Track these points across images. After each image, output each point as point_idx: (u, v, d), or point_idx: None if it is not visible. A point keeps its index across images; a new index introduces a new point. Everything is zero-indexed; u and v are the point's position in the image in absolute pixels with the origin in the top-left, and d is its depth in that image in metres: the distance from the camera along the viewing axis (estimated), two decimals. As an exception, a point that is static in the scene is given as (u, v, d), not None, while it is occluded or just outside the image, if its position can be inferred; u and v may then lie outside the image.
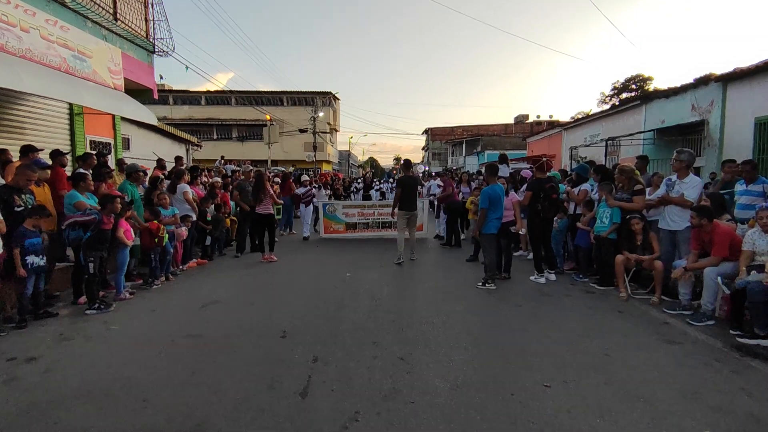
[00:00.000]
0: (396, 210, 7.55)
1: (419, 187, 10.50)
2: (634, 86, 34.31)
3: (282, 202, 10.41)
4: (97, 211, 4.80)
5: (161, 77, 38.21)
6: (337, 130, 44.42)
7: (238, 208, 8.42)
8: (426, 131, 55.05)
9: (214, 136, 35.53)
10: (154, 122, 9.43)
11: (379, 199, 13.66)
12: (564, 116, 57.79)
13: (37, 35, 6.08)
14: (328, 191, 13.52)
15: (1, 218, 3.96)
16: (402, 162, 8.70)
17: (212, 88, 40.52)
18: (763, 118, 8.21)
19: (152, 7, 9.25)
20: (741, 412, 2.72)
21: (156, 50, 9.47)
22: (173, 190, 6.75)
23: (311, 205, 10.62)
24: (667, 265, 4.99)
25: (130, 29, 8.55)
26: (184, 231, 6.48)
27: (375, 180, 19.35)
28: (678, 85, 10.99)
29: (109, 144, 9.41)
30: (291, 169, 23.36)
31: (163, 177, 7.03)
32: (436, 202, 10.35)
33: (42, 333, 4.03)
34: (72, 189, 5.05)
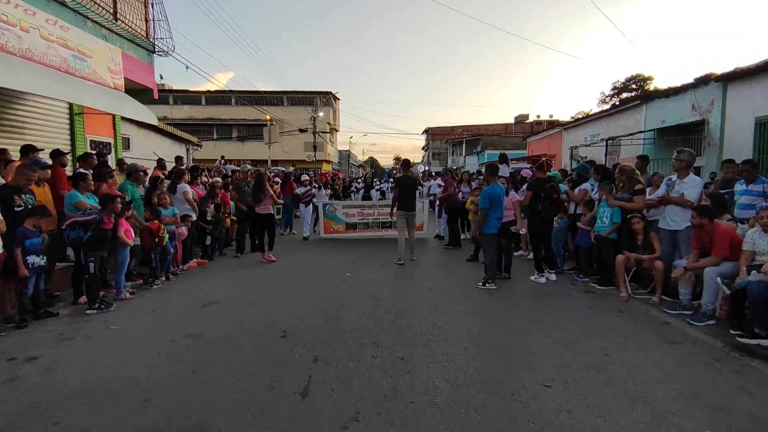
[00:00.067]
0: (395, 210, 7.53)
1: (419, 186, 10.50)
2: (634, 86, 34.30)
3: (282, 202, 10.42)
4: (98, 211, 4.80)
5: (161, 77, 38.27)
6: (337, 130, 44.42)
7: (237, 208, 8.42)
8: (426, 131, 55.03)
9: (214, 136, 35.52)
10: (155, 122, 9.43)
11: (379, 199, 13.65)
12: (564, 116, 57.84)
13: (37, 35, 6.08)
14: (328, 191, 13.51)
15: (1, 218, 3.97)
16: (401, 162, 8.67)
17: (212, 88, 40.60)
18: (763, 117, 8.21)
19: (152, 6, 9.25)
20: (741, 412, 2.71)
21: (156, 50, 9.47)
22: (173, 190, 6.76)
23: (311, 205, 10.62)
24: (668, 264, 4.99)
25: (130, 29, 8.55)
26: (184, 230, 6.49)
27: (375, 180, 19.35)
28: (678, 84, 11.00)
29: (110, 144, 9.41)
30: (291, 168, 23.36)
31: (163, 177, 7.03)
32: (437, 202, 10.31)
33: (42, 333, 4.04)
34: (72, 189, 5.05)
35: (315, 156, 29.95)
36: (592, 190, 6.38)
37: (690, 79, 10.40)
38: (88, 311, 4.57)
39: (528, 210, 6.21)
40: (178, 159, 9.57)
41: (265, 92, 37.96)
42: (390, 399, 2.84)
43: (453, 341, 3.85)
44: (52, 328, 4.15)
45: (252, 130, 35.01)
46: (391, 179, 22.36)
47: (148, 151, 11.39)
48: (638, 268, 5.34)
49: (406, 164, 8.11)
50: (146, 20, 9.20)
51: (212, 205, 7.65)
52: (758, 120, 8.30)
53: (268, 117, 26.30)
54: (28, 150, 5.18)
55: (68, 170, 6.31)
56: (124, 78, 8.14)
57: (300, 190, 10.75)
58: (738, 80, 8.90)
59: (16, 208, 4.26)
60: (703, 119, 9.81)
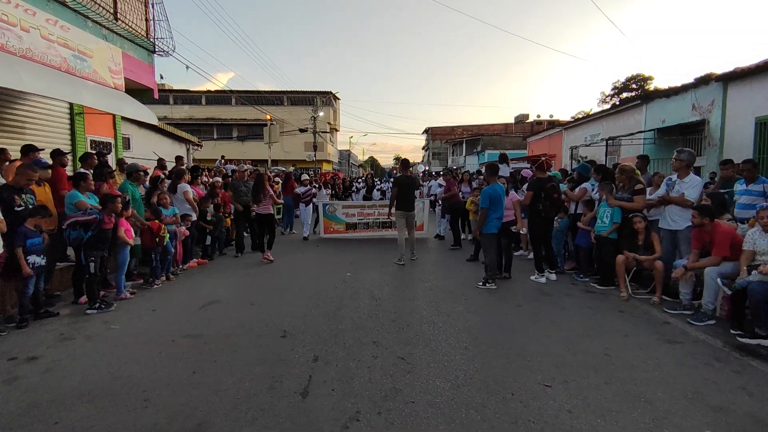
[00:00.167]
0: (394, 210, 7.49)
1: (418, 186, 10.49)
2: (634, 86, 34.28)
3: (282, 202, 10.43)
4: (98, 211, 4.80)
5: (161, 77, 38.25)
6: (337, 130, 44.42)
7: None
8: (426, 131, 55.03)
9: (215, 136, 35.51)
10: (155, 122, 9.42)
11: (380, 199, 13.64)
12: (564, 116, 57.82)
13: (37, 35, 6.08)
14: (329, 191, 13.51)
15: (2, 218, 3.97)
16: (400, 161, 8.63)
17: (212, 88, 40.61)
18: (763, 117, 8.20)
19: (152, 6, 9.25)
20: (741, 411, 2.71)
21: (156, 50, 9.47)
22: (174, 190, 6.77)
23: (311, 205, 10.62)
24: (668, 264, 4.99)
25: (130, 29, 8.55)
26: (185, 230, 6.49)
27: (376, 180, 19.36)
28: (678, 84, 11.00)
29: (110, 144, 9.41)
30: (291, 168, 23.36)
31: (164, 177, 7.03)
32: (439, 202, 10.28)
33: (43, 333, 4.04)
34: (73, 189, 5.05)
35: (315, 156, 29.94)
36: (593, 189, 6.38)
37: (690, 79, 10.41)
38: (89, 311, 4.58)
39: (528, 210, 6.21)
40: (179, 159, 9.58)
41: (266, 92, 37.97)
42: (390, 399, 2.84)
43: (453, 341, 3.85)
44: (53, 328, 4.15)
45: (252, 130, 35.01)
46: (392, 179, 22.33)
47: (148, 151, 11.39)
48: (638, 268, 5.34)
49: (405, 164, 8.07)
50: (146, 20, 9.20)
51: (212, 205, 7.65)
52: (758, 120, 8.30)
53: (268, 117, 26.31)
54: (28, 150, 5.18)
55: (69, 170, 6.31)
56: (125, 78, 8.14)
57: (300, 190, 10.75)
58: (738, 80, 8.90)
59: (17, 208, 4.27)
60: (703, 119, 9.81)
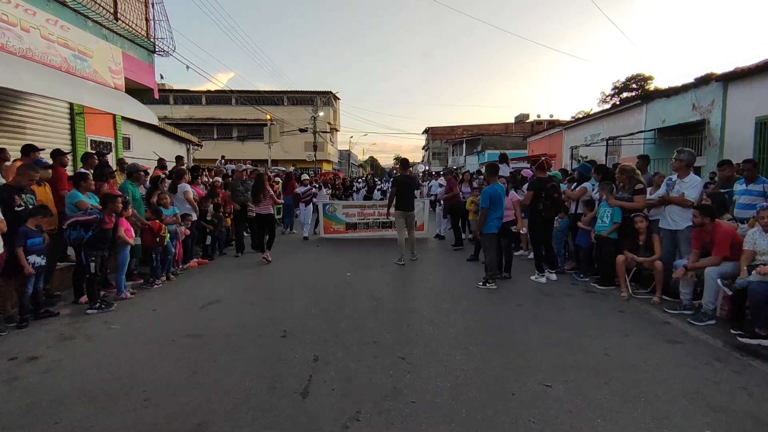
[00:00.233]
0: (393, 210, 7.46)
1: (419, 186, 10.46)
2: (634, 86, 34.26)
3: (282, 201, 10.42)
4: (99, 211, 4.80)
5: (162, 77, 38.15)
6: (337, 130, 44.41)
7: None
8: (426, 131, 55.03)
9: (215, 136, 35.50)
10: (155, 122, 9.43)
11: (381, 198, 13.64)
12: (564, 116, 57.80)
13: (37, 35, 6.08)
14: (329, 190, 13.51)
15: (2, 217, 3.97)
16: (399, 161, 8.58)
17: (213, 88, 40.62)
18: (763, 117, 8.20)
19: (153, 6, 9.25)
20: (742, 411, 2.71)
21: (156, 50, 9.47)
22: (174, 190, 6.77)
23: (311, 205, 10.62)
24: (668, 264, 4.99)
25: (130, 29, 8.55)
26: (185, 230, 6.50)
27: (377, 180, 19.37)
28: (679, 84, 11.00)
29: (110, 144, 9.41)
30: (291, 168, 23.37)
31: (164, 176, 7.04)
32: (441, 202, 10.20)
33: (43, 333, 4.04)
34: (73, 189, 5.05)
35: (315, 156, 29.95)
36: (593, 189, 6.38)
37: (690, 79, 10.41)
38: (89, 311, 4.58)
39: (529, 210, 6.21)
40: (179, 159, 9.58)
41: (266, 92, 37.97)
42: (391, 398, 2.84)
43: (453, 341, 3.85)
44: (53, 328, 4.16)
45: (252, 130, 35.00)
46: (392, 179, 22.29)
47: (148, 150, 11.40)
48: (639, 268, 5.34)
49: (404, 163, 8.02)
50: (147, 20, 9.20)
51: (212, 205, 7.65)
52: (759, 120, 8.30)
53: (268, 117, 26.30)
54: (29, 150, 5.18)
55: (69, 170, 6.31)
56: (125, 78, 8.14)
57: (300, 190, 10.75)
58: (738, 80, 8.90)
59: (17, 208, 4.27)
60: (703, 119, 9.81)
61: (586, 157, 13.35)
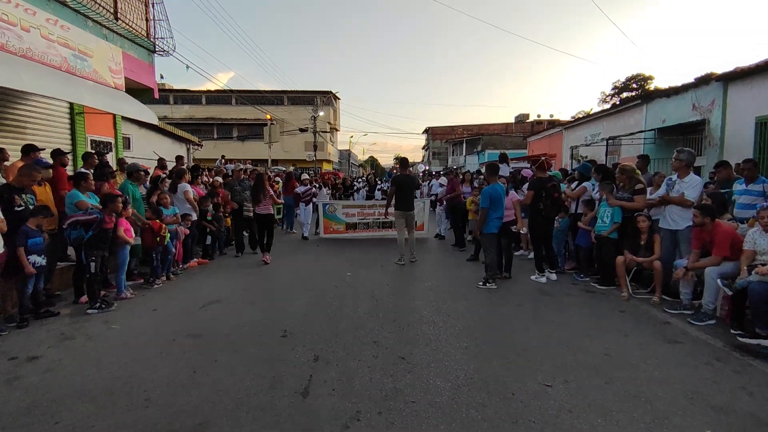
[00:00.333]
0: (393, 210, 7.42)
1: (418, 186, 10.44)
2: (634, 85, 34.27)
3: (282, 201, 10.42)
4: (99, 211, 4.80)
5: (162, 77, 38.23)
6: (337, 130, 44.41)
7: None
8: (426, 130, 54.99)
9: (215, 136, 35.51)
10: (155, 122, 9.43)
11: (381, 198, 13.63)
12: (565, 116, 57.71)
13: (37, 34, 6.08)
14: (329, 190, 13.50)
15: (2, 217, 3.97)
16: (399, 160, 8.48)
17: (213, 88, 40.59)
18: (764, 117, 8.19)
19: (153, 6, 9.25)
20: (742, 411, 2.72)
21: (157, 50, 9.47)
22: (174, 190, 6.78)
23: (311, 204, 10.62)
24: (668, 264, 4.98)
25: (130, 29, 8.55)
26: (186, 229, 6.50)
27: (377, 180, 19.37)
28: (679, 84, 10.98)
29: (110, 143, 9.42)
30: (291, 168, 23.37)
31: (164, 176, 7.04)
32: (443, 202, 10.14)
33: (43, 332, 4.04)
34: (73, 188, 5.05)
35: (315, 155, 29.95)
36: (593, 189, 6.38)
37: (690, 79, 10.39)
38: (89, 311, 4.58)
39: (529, 209, 6.21)
40: (179, 158, 9.58)
41: (266, 92, 37.95)
42: (391, 398, 2.84)
43: (454, 341, 3.85)
44: (53, 328, 4.16)
45: (252, 130, 35.00)
46: (391, 178, 22.24)
47: (148, 150, 11.39)
48: (639, 267, 5.34)
49: (403, 163, 7.92)
50: (147, 20, 9.19)
51: (211, 205, 7.65)
52: (759, 120, 8.28)
53: (268, 116, 26.27)
54: (29, 150, 5.18)
55: (69, 170, 6.31)
56: (125, 78, 8.14)
57: (300, 189, 10.74)
58: (739, 80, 8.88)
59: (17, 208, 4.27)
60: (703, 119, 9.80)
61: (586, 157, 13.34)
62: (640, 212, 5.30)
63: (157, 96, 9.80)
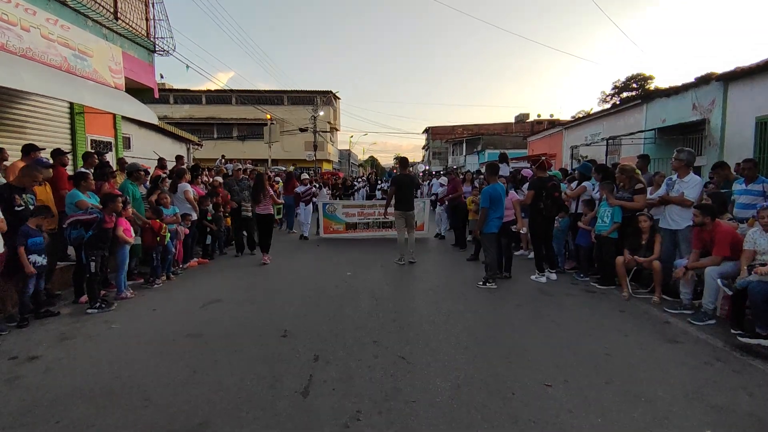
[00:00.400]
0: (392, 210, 7.40)
1: (418, 186, 10.43)
2: (634, 85, 34.26)
3: (282, 201, 10.41)
4: (99, 210, 4.80)
5: (162, 76, 38.22)
6: (337, 129, 44.39)
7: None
8: (426, 130, 55.00)
9: (215, 135, 35.49)
10: (155, 121, 9.43)
11: (381, 198, 13.63)
12: (565, 115, 57.74)
13: (37, 34, 6.08)
14: (329, 190, 13.51)
15: (2, 217, 3.97)
16: (399, 160, 8.29)
17: (213, 87, 40.57)
18: (764, 117, 8.19)
19: (153, 6, 9.24)
20: (742, 411, 2.72)
21: (157, 49, 9.46)
22: (174, 189, 6.78)
23: (311, 204, 10.61)
24: (668, 264, 4.98)
25: (130, 28, 8.54)
26: (186, 229, 6.50)
27: (378, 180, 19.38)
28: (679, 84, 10.97)
29: (110, 143, 9.41)
30: (291, 168, 23.37)
31: (165, 176, 7.05)
32: (445, 202, 10.10)
33: (43, 332, 4.04)
34: (73, 188, 5.05)
35: (315, 155, 29.93)
36: (593, 188, 6.38)
37: (691, 79, 10.39)
38: (89, 310, 4.58)
39: (530, 209, 6.21)
40: (179, 158, 9.57)
41: (266, 91, 37.93)
42: (391, 398, 2.84)
43: (454, 340, 3.85)
44: (53, 328, 4.16)
45: (252, 130, 34.98)
46: (391, 178, 22.23)
47: (148, 150, 11.39)
48: (639, 267, 5.34)
49: (403, 162, 7.85)
50: (147, 19, 9.19)
51: (211, 204, 7.65)
52: (759, 120, 8.28)
53: (268, 116, 26.25)
54: (29, 149, 5.18)
55: (69, 169, 6.31)
56: (125, 77, 8.14)
57: (300, 189, 10.74)
58: (739, 80, 8.88)
59: (17, 208, 4.27)
60: (703, 119, 9.79)
61: (587, 157, 13.34)
62: (642, 212, 5.30)
63: (157, 96, 9.79)
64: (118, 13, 8.19)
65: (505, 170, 8.52)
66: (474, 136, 39.02)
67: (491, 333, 4.09)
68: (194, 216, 6.90)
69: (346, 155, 54.76)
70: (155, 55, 9.52)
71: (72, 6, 6.99)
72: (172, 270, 6.20)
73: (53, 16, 6.46)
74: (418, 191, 10.45)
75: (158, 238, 5.68)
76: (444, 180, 10.98)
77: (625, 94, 33.01)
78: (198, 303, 4.97)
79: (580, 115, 25.09)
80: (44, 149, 5.54)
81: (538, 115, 42.02)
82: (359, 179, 24.71)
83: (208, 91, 37.51)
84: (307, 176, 12.45)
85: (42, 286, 4.51)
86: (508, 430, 2.52)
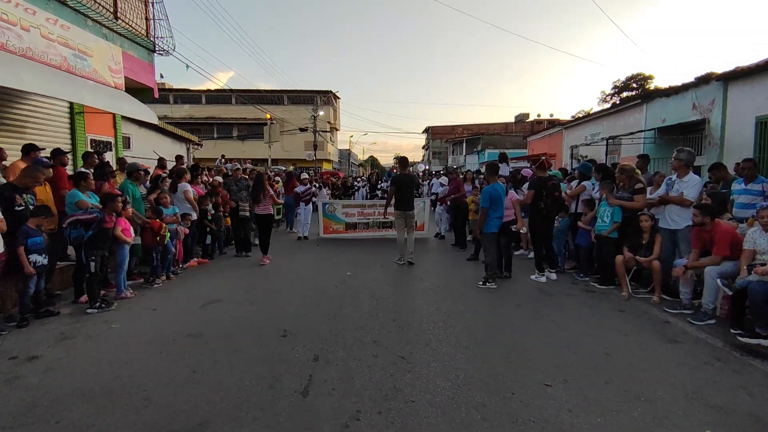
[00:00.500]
0: (392, 210, 7.39)
1: (418, 186, 10.43)
2: (634, 85, 34.25)
3: (282, 201, 10.41)
4: (99, 210, 4.80)
5: (162, 76, 38.23)
6: (337, 129, 44.37)
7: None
8: (426, 130, 55.01)
9: (215, 135, 35.46)
10: (155, 121, 9.42)
11: (381, 197, 13.63)
12: (565, 115, 57.75)
13: (37, 34, 6.07)
14: (328, 190, 13.51)
15: (2, 217, 3.97)
16: (398, 159, 8.23)
17: (213, 87, 40.53)
18: (764, 117, 8.19)
19: (153, 5, 9.24)
20: (742, 411, 2.72)
21: (156, 49, 9.46)
22: (174, 189, 6.78)
23: (311, 204, 10.61)
24: (668, 264, 4.98)
25: (130, 28, 8.54)
26: (186, 229, 6.50)
27: (379, 179, 19.38)
28: (679, 83, 10.97)
29: (110, 143, 9.41)
30: (291, 168, 23.36)
31: (164, 176, 7.04)
32: (447, 202, 10.08)
33: (43, 332, 4.04)
34: (73, 188, 5.05)
35: (315, 155, 29.92)
36: (593, 188, 6.38)
37: (691, 78, 10.38)
38: (89, 310, 4.58)
39: (530, 209, 6.21)
40: (179, 158, 9.57)
41: (266, 91, 37.92)
42: (391, 398, 2.84)
43: (454, 340, 3.85)
44: (53, 327, 4.16)
45: (252, 129, 34.97)
46: (391, 178, 22.22)
47: (148, 150, 11.39)
48: (639, 267, 5.34)
49: (403, 162, 7.82)
50: (147, 19, 9.19)
51: (211, 204, 7.65)
52: (759, 119, 8.28)
53: (268, 116, 26.25)
54: (29, 149, 5.18)
55: (69, 169, 6.31)
56: (125, 77, 8.14)
57: (299, 189, 10.74)
58: (739, 79, 8.88)
59: (17, 208, 4.27)
60: (703, 118, 9.79)
61: (586, 157, 13.34)
62: (643, 211, 5.30)
63: (156, 95, 9.78)
64: (118, 13, 8.18)
65: (505, 170, 8.52)
66: (474, 136, 39.02)
67: (491, 333, 4.10)
68: (194, 216, 6.90)
69: (346, 155, 54.74)
70: (155, 54, 9.52)
71: (72, 6, 6.99)
72: (172, 270, 6.20)
73: (53, 15, 6.46)
74: (418, 191, 10.44)
75: (158, 238, 5.68)
76: (444, 180, 10.97)
77: (625, 94, 33.00)
78: (198, 303, 4.97)
79: (580, 115, 25.09)
80: (44, 149, 5.54)
81: (538, 115, 42.04)
82: (359, 179, 24.70)
83: (208, 90, 37.49)
84: (307, 176, 12.44)
85: (42, 286, 4.51)
86: (508, 429, 2.52)
